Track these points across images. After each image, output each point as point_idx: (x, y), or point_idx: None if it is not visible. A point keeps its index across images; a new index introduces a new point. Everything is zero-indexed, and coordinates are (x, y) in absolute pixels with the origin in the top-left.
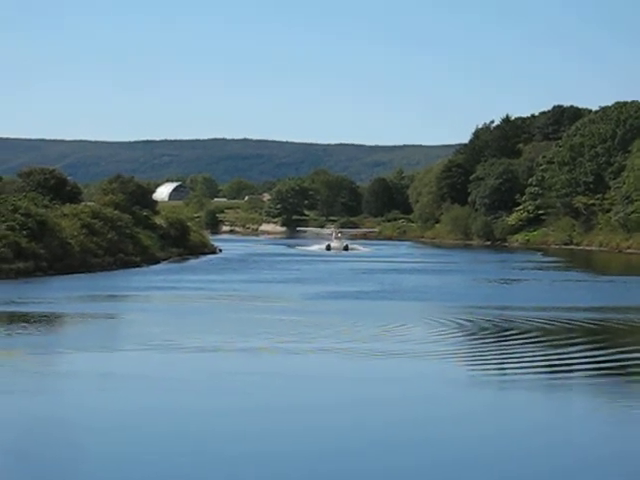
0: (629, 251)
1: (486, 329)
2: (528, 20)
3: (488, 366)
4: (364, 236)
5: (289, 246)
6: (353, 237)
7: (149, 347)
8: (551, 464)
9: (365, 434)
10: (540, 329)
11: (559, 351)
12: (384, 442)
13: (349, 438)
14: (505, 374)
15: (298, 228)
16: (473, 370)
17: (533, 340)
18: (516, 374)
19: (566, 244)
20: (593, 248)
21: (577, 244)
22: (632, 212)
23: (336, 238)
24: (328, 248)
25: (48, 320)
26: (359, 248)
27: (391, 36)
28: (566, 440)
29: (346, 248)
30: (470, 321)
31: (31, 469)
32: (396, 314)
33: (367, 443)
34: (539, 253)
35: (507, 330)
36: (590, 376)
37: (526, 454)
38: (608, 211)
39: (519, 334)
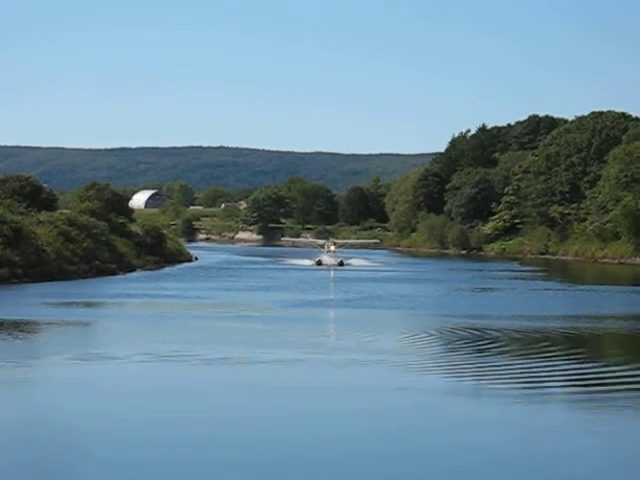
0: (604, 260)
1: (475, 339)
2: (504, 30)
3: (468, 377)
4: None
5: (269, 257)
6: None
7: (154, 357)
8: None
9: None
10: (517, 339)
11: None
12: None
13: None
14: (478, 385)
15: (283, 238)
16: (464, 382)
17: (510, 350)
18: (494, 385)
19: (542, 253)
20: (568, 257)
21: (553, 253)
22: (607, 222)
23: (329, 251)
24: (319, 263)
25: (23, 327)
26: (356, 263)
27: (367, 45)
28: (545, 452)
29: (341, 264)
30: (462, 331)
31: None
32: (389, 324)
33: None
34: (515, 262)
35: (490, 340)
36: (567, 387)
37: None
38: (583, 220)
39: (498, 344)
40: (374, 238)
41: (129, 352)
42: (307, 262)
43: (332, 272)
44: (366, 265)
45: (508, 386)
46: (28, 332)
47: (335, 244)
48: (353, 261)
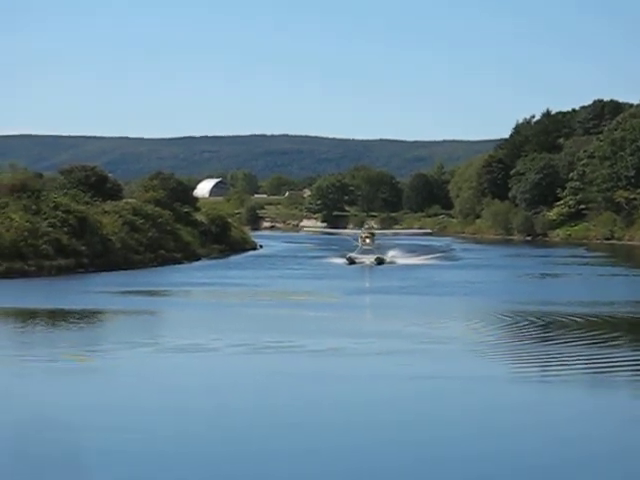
0: None
1: (542, 325)
2: (569, 17)
3: (534, 364)
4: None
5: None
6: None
7: (252, 349)
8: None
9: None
10: (584, 325)
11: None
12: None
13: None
14: (548, 372)
15: (326, 230)
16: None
17: (577, 337)
18: (560, 372)
19: (607, 239)
20: (635, 243)
21: (618, 239)
22: None
23: (364, 244)
24: (351, 262)
25: (97, 316)
26: (404, 260)
27: (431, 37)
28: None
29: (380, 262)
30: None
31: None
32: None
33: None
34: (581, 248)
35: (558, 327)
36: (633, 374)
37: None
38: None
39: (565, 330)
40: (439, 224)
41: (222, 343)
42: (339, 260)
43: (368, 272)
44: (416, 263)
45: (574, 373)
46: (104, 321)
47: (372, 235)
48: (400, 258)
